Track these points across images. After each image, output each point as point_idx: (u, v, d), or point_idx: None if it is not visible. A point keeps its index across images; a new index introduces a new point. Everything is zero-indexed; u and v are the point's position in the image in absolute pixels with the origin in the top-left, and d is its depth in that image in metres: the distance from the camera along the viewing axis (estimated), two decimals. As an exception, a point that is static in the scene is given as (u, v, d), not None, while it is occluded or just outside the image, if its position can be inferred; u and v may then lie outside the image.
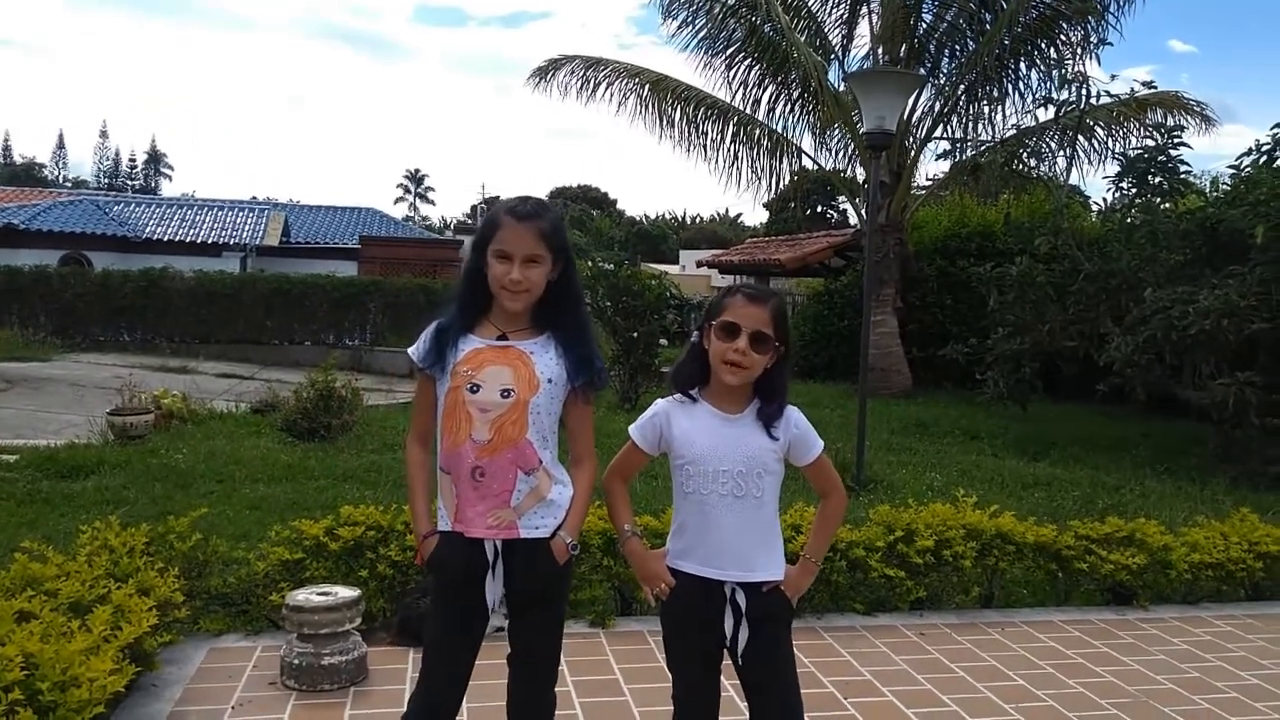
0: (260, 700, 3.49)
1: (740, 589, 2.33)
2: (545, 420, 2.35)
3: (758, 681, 2.34)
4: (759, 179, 15.18)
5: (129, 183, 79.21)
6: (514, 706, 2.49)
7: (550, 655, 2.46)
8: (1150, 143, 10.85)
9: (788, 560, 2.44)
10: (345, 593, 3.74)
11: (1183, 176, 10.37)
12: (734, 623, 2.32)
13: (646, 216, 68.34)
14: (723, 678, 2.42)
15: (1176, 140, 10.30)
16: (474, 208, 56.08)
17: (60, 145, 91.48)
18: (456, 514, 2.33)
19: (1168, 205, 10.35)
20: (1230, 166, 10.28)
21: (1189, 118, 13.64)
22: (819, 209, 39.33)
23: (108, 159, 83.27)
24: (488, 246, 2.30)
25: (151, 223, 23.82)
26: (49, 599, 3.26)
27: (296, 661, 3.58)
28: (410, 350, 2.41)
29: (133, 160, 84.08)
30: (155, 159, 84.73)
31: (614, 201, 68.26)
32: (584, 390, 2.39)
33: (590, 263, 13.06)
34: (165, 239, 22.75)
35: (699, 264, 28.69)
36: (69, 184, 68.60)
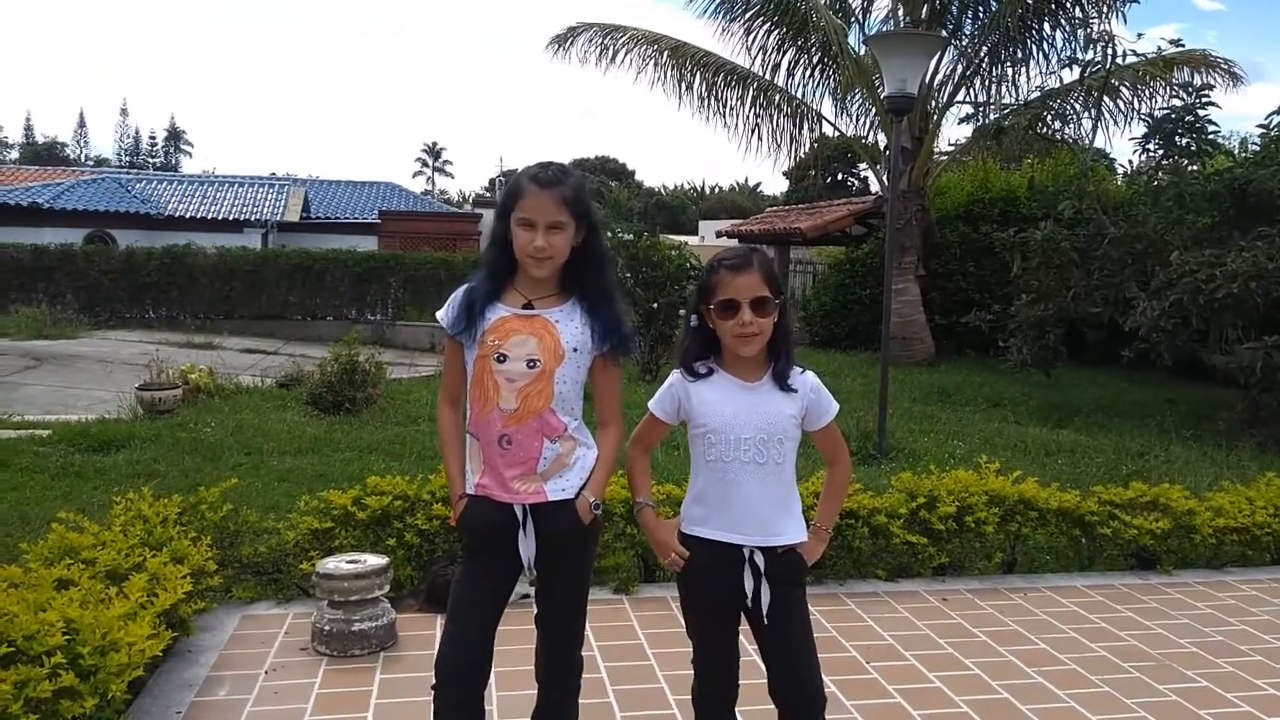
0: (292, 665, 3.57)
1: (760, 551, 2.35)
2: (571, 389, 2.38)
3: (777, 641, 2.37)
4: (779, 146, 15.06)
5: (150, 160, 79.61)
6: (542, 667, 2.54)
7: (577, 615, 2.51)
8: (1177, 103, 10.65)
9: None
10: (374, 560, 3.80)
11: (1210, 137, 10.18)
12: (754, 584, 2.34)
13: (665, 187, 67.97)
14: (742, 639, 2.45)
15: (1204, 100, 10.10)
16: (492, 180, 56.02)
17: (81, 124, 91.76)
18: (485, 476, 2.38)
19: (1195, 167, 10.17)
20: (1259, 126, 10.11)
21: (1216, 76, 13.37)
22: (839, 176, 38.96)
23: (128, 137, 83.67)
24: (511, 214, 2.31)
25: (174, 200, 23.98)
26: (87, 567, 3.34)
27: (327, 628, 3.66)
28: (439, 315, 2.42)
29: (153, 138, 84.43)
30: (175, 136, 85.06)
31: (632, 173, 67.88)
32: (611, 355, 2.41)
33: (610, 234, 13.04)
34: (187, 216, 22.89)
35: (719, 234, 28.50)
36: (91, 162, 69.04)
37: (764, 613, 2.34)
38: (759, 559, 2.35)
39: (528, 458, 2.34)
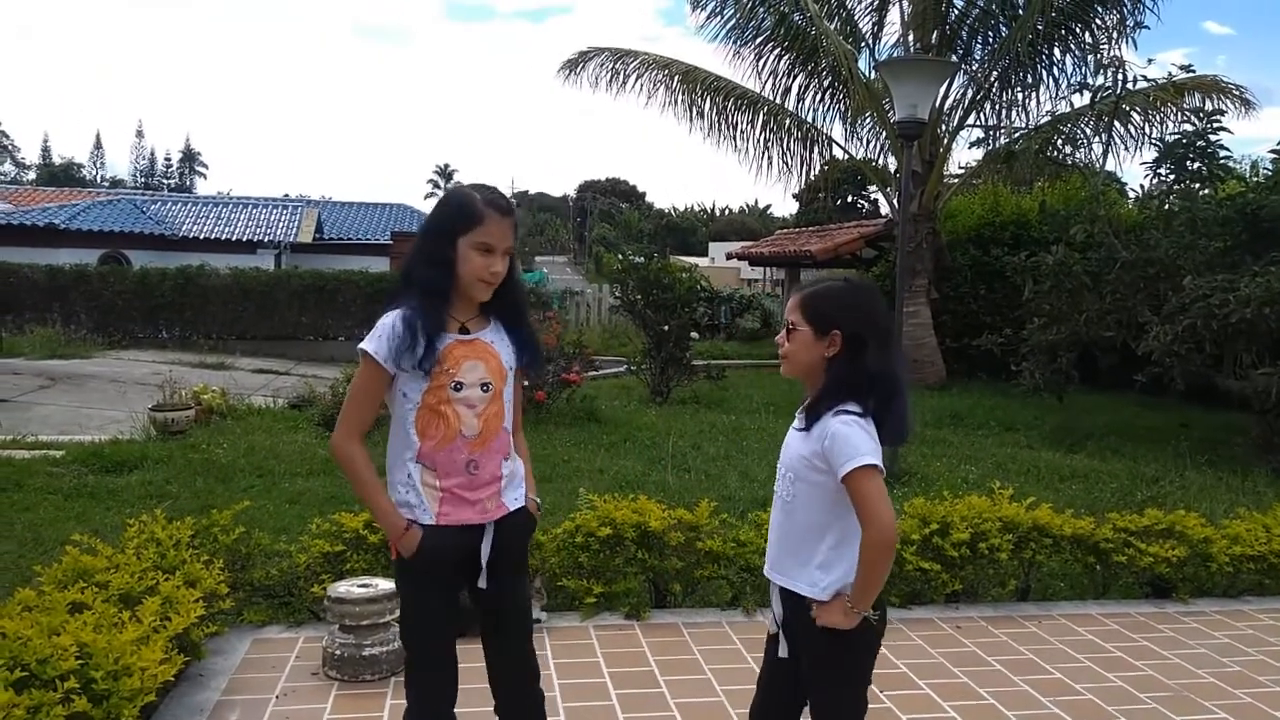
0: (303, 690, 3.56)
1: (779, 593, 2.33)
2: (510, 405, 2.47)
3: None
4: (789, 169, 15.13)
5: (165, 181, 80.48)
6: (504, 669, 2.55)
7: (529, 610, 2.62)
8: (1189, 128, 10.66)
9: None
10: (385, 585, 3.79)
11: (1222, 162, 10.17)
12: (776, 627, 2.36)
13: (675, 209, 68.21)
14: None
15: (1216, 125, 10.11)
16: (503, 202, 56.05)
17: (98, 145, 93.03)
18: (445, 505, 2.36)
19: (1207, 191, 10.16)
20: (1271, 151, 10.09)
21: (1228, 101, 13.37)
22: (849, 198, 39.02)
23: (144, 158, 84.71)
24: (462, 237, 2.28)
25: (188, 221, 24.18)
26: (100, 590, 3.35)
27: (338, 652, 3.65)
28: (369, 348, 2.27)
29: (168, 159, 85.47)
30: (190, 158, 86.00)
31: (642, 194, 68.22)
32: (525, 369, 2.51)
33: (621, 256, 13.07)
34: (201, 237, 23.08)
35: (729, 256, 28.59)
36: (107, 184, 69.86)
37: (777, 654, 2.35)
38: (777, 603, 2.35)
39: (493, 478, 2.40)
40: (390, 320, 2.28)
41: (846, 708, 2.28)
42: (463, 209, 2.30)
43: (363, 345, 2.28)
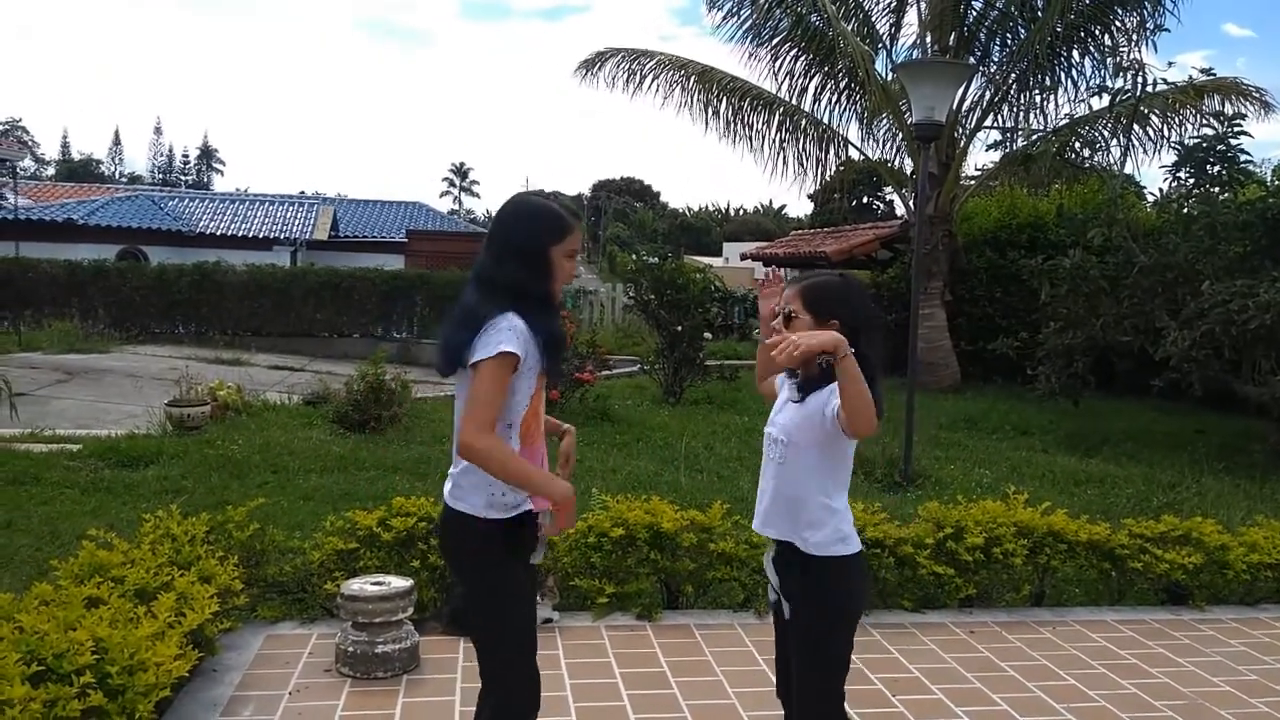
0: (316, 686, 3.58)
1: (773, 552, 2.54)
2: None
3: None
4: (804, 169, 15.07)
5: (182, 178, 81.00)
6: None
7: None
8: (1209, 131, 10.56)
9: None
10: (398, 582, 3.81)
11: (1243, 166, 10.08)
12: (776, 593, 2.56)
13: (689, 208, 68.18)
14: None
15: (1237, 130, 10.02)
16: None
17: (116, 142, 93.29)
18: (533, 498, 2.46)
19: (1227, 195, 10.07)
20: (1292, 155, 9.98)
21: (1248, 104, 13.22)
22: (864, 199, 38.88)
23: (162, 155, 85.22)
24: (555, 247, 2.39)
25: (205, 217, 24.32)
26: (116, 585, 3.37)
27: (351, 649, 3.66)
28: (514, 349, 2.27)
29: (186, 156, 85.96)
30: (207, 155, 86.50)
31: (657, 194, 68.23)
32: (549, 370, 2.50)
33: (634, 256, 13.06)
34: (218, 233, 23.19)
35: (743, 256, 28.53)
36: (125, 180, 70.34)
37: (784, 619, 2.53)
38: (770, 560, 2.59)
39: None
40: (518, 324, 2.29)
41: (826, 668, 2.44)
42: (554, 219, 2.42)
43: (504, 348, 2.25)
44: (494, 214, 2.56)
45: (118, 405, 10.16)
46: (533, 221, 2.42)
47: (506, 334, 2.26)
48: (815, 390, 2.40)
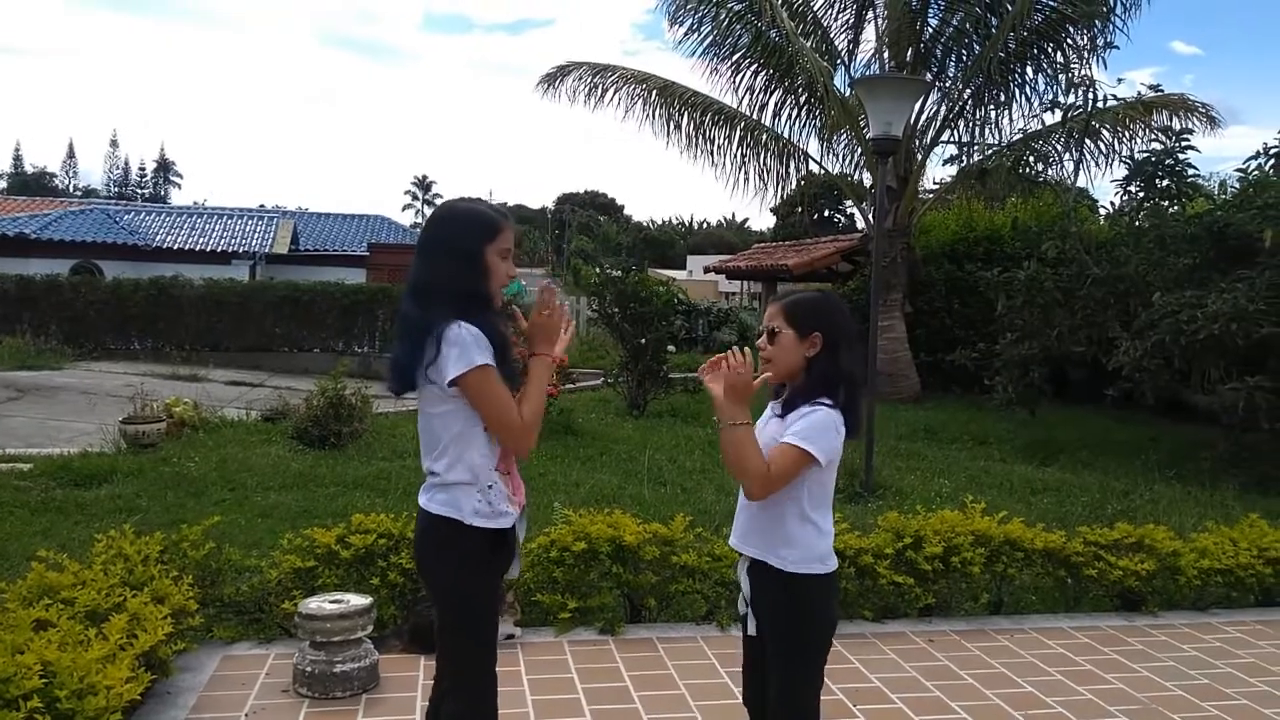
0: (273, 708, 3.52)
1: (747, 567, 2.50)
2: None
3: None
4: (766, 184, 15.21)
5: (139, 191, 79.64)
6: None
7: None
8: (1157, 146, 10.85)
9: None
10: (357, 600, 3.77)
11: (1190, 180, 10.35)
12: (745, 606, 2.52)
13: (653, 222, 68.41)
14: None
15: (1184, 145, 10.30)
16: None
17: (71, 154, 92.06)
18: (515, 504, 2.48)
19: (1175, 208, 10.33)
20: (1238, 170, 10.27)
21: (1195, 119, 13.61)
22: (826, 213, 39.31)
23: (118, 168, 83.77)
24: (488, 245, 2.37)
25: (161, 231, 23.93)
26: (66, 607, 3.30)
27: (309, 669, 3.61)
28: (487, 360, 2.29)
29: (142, 169, 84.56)
30: (165, 167, 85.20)
31: (621, 207, 68.35)
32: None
33: (598, 269, 13.09)
34: (175, 247, 22.83)
35: (706, 269, 28.71)
36: (79, 193, 69.08)
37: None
38: (744, 572, 2.54)
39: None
40: (472, 332, 2.27)
41: (802, 686, 2.44)
42: (485, 219, 2.41)
43: (479, 361, 2.26)
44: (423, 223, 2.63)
45: (70, 423, 9.95)
46: (464, 223, 2.40)
47: (471, 346, 2.26)
48: (794, 408, 2.42)
